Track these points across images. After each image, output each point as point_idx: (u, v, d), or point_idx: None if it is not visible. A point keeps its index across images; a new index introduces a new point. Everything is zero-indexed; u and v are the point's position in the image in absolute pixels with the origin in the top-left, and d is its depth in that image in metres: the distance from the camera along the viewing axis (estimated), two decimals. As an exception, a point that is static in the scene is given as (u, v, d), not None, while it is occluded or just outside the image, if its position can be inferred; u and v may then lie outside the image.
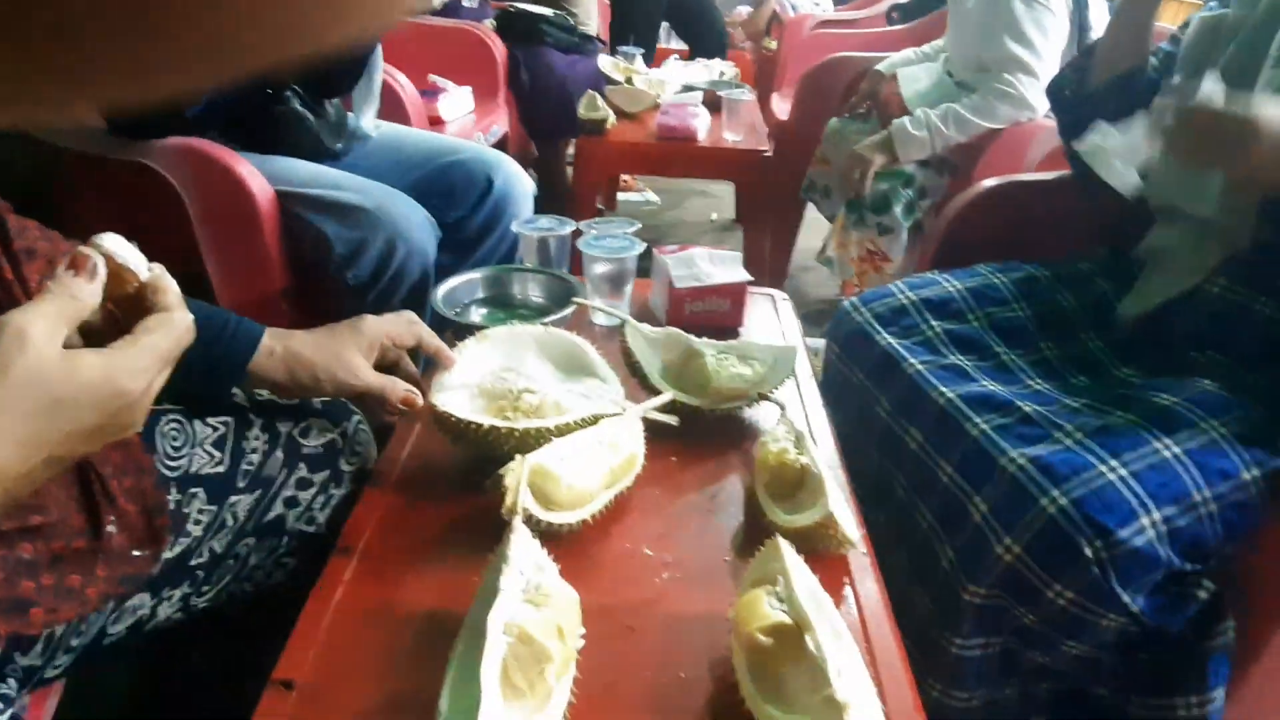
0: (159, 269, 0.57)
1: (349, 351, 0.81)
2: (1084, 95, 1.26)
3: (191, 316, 0.56)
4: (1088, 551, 0.80)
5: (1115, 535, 0.80)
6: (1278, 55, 1.02)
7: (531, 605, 0.63)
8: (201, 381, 0.75)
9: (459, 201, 1.55)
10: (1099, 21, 1.92)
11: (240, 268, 1.42)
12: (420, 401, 0.84)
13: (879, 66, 2.28)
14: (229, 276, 1.41)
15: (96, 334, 0.53)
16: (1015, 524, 0.85)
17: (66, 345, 0.49)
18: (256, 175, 1.39)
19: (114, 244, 0.54)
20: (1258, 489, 0.86)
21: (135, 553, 0.71)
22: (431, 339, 0.88)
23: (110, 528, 0.69)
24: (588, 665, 0.64)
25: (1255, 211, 1.01)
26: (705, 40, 3.82)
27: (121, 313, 0.55)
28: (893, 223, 1.97)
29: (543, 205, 3.22)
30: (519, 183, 1.62)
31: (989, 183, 1.39)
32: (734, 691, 0.63)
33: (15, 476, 0.46)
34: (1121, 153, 1.08)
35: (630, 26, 3.69)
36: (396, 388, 0.83)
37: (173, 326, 0.54)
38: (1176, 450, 0.86)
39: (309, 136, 1.51)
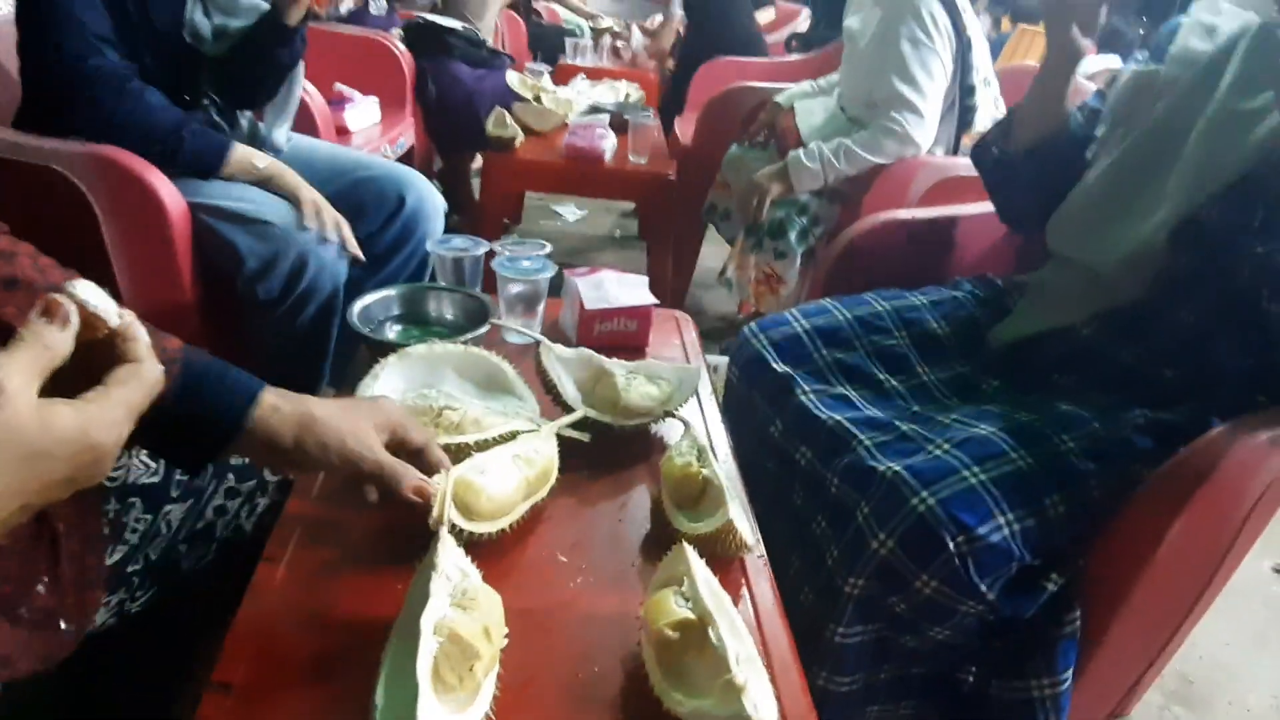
0: (130, 316, 0.56)
1: (365, 425, 0.73)
2: (1007, 158, 1.32)
3: (161, 368, 0.55)
4: (950, 545, 0.91)
5: (974, 531, 0.91)
6: (1210, 116, 1.09)
7: (459, 608, 0.68)
8: (192, 432, 0.69)
9: (369, 218, 1.58)
10: (981, 62, 2.08)
11: (150, 277, 1.41)
12: (434, 492, 0.75)
13: (778, 98, 2.41)
14: (139, 286, 1.40)
15: (64, 379, 0.51)
16: (888, 520, 0.96)
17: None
18: (168, 185, 1.38)
19: (86, 291, 0.53)
20: (1097, 497, 0.99)
21: (62, 624, 0.69)
22: (435, 450, 0.79)
23: (40, 587, 0.67)
24: (509, 662, 0.69)
25: (1150, 277, 1.12)
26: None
27: (88, 358, 0.53)
28: (787, 248, 2.09)
29: (448, 217, 3.25)
30: (430, 200, 1.66)
31: (876, 217, 1.51)
32: (644, 682, 0.70)
33: None
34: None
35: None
36: (409, 474, 0.75)
37: (143, 378, 0.53)
38: (1030, 461, 0.98)
39: None
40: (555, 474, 0.91)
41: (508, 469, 0.86)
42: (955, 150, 2.12)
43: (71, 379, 0.51)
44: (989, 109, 2.10)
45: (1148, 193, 1.15)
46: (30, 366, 0.47)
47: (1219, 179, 1.06)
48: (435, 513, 0.75)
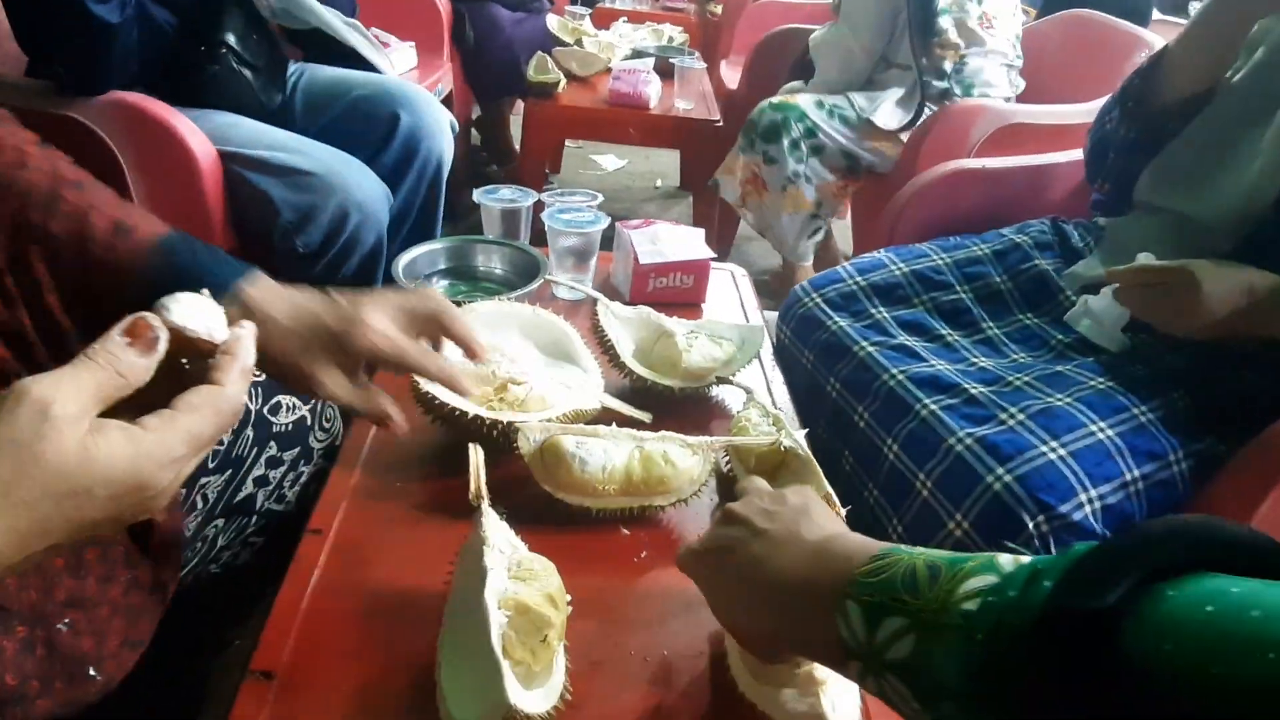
0: (247, 333, 0.48)
1: (377, 309, 0.68)
2: (1150, 110, 1.18)
3: (244, 400, 0.47)
4: (1031, 526, 0.84)
5: (1056, 510, 0.85)
6: None
7: (518, 580, 0.64)
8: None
9: (364, 142, 1.45)
10: None
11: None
12: (403, 429, 0.71)
13: (813, 37, 2.33)
14: (170, 240, 1.35)
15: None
16: (962, 500, 0.89)
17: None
18: (197, 133, 1.33)
19: (185, 314, 0.45)
20: (1179, 470, 0.92)
21: (91, 671, 0.61)
22: (463, 328, 0.74)
23: (61, 625, 0.59)
24: (572, 638, 0.64)
25: (1246, 233, 1.04)
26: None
27: (177, 372, 0.46)
28: (778, 154, 2.02)
29: (486, 167, 3.17)
30: (429, 115, 1.50)
31: (946, 166, 1.43)
32: (717, 664, 0.65)
33: (7, 565, 0.39)
34: (1104, 317, 1.07)
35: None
36: (434, 359, 0.71)
37: (220, 408, 0.45)
38: (1110, 433, 0.91)
39: (247, 94, 1.44)
40: (688, 491, 0.81)
41: (616, 454, 0.79)
42: (920, 66, 2.04)
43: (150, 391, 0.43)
44: (972, 28, 2.02)
45: (1247, 146, 1.08)
46: (93, 393, 0.41)
47: None
48: (472, 488, 0.69)
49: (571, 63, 2.46)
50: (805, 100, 2.04)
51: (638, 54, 2.69)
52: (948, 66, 2.01)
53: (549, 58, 2.37)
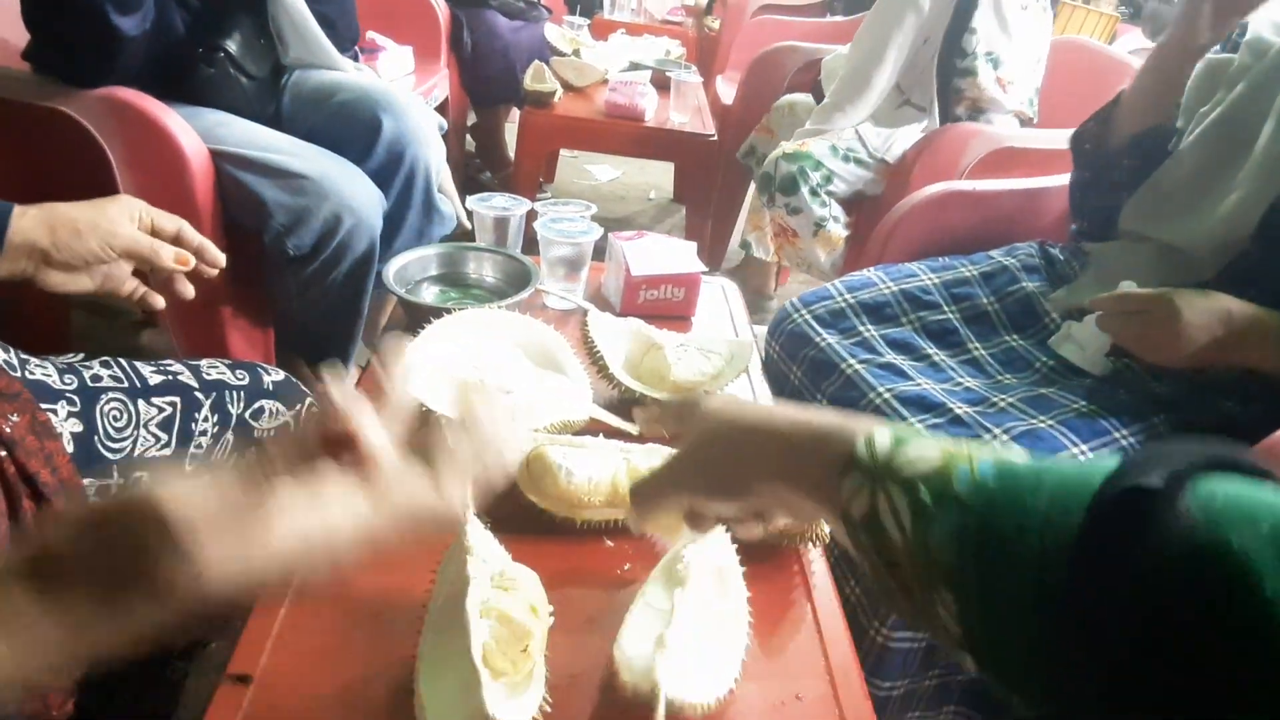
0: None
1: (110, 209, 0.78)
2: (1104, 151, 1.24)
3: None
4: None
5: None
6: None
7: (500, 590, 0.64)
8: None
9: (349, 147, 1.44)
10: (988, 34, 1.96)
11: (169, 229, 1.35)
12: (193, 263, 0.82)
13: (827, 59, 2.31)
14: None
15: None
16: None
17: None
18: (189, 131, 1.32)
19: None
20: None
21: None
22: (194, 233, 0.84)
23: None
24: (553, 646, 0.64)
25: (1227, 261, 1.06)
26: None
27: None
28: (800, 204, 2.02)
29: (480, 173, 3.16)
30: (413, 119, 1.49)
31: (936, 188, 1.43)
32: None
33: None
34: (1087, 343, 1.09)
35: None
36: (165, 248, 0.80)
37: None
38: (1091, 456, 0.93)
39: (241, 99, 1.44)
40: None
41: (602, 466, 0.79)
42: (945, 119, 2.02)
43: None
44: (991, 85, 1.98)
45: (1227, 177, 1.11)
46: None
47: None
48: None
49: (568, 73, 2.47)
50: (817, 147, 2.03)
51: (635, 66, 2.70)
52: (961, 113, 2.00)
53: (546, 67, 2.38)
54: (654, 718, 0.57)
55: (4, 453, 0.63)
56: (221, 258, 0.86)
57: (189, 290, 0.84)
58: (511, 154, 2.92)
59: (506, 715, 0.55)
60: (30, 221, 0.73)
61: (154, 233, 0.81)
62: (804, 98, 2.35)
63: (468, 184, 3.07)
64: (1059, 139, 1.93)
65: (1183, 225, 1.12)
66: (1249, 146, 1.09)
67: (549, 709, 0.59)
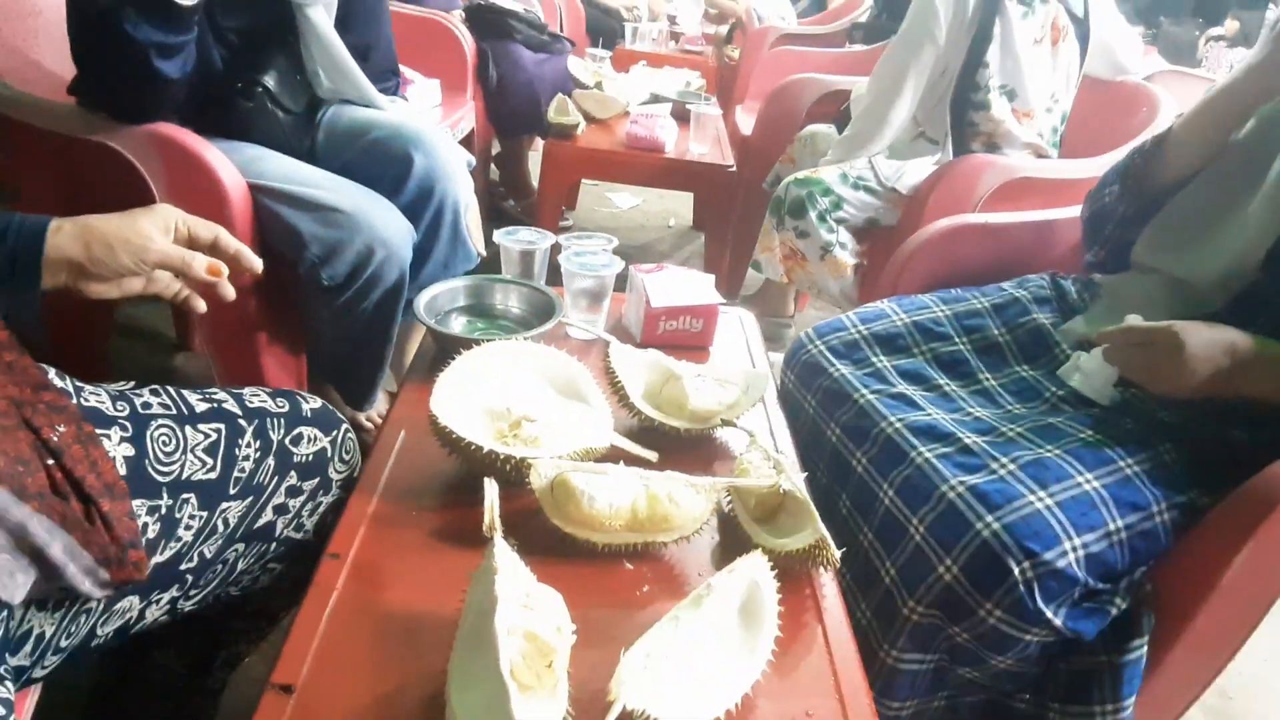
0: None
1: (144, 223, 0.80)
2: (1151, 188, 1.24)
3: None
4: (1016, 571, 0.88)
5: (1041, 557, 0.88)
6: None
7: (526, 609, 0.68)
8: (8, 268, 0.76)
9: (383, 184, 1.49)
10: (1001, 68, 1.98)
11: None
12: (225, 272, 0.85)
13: (858, 89, 2.36)
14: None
15: None
16: (952, 546, 0.93)
17: None
18: (228, 165, 1.38)
19: None
20: (1162, 521, 0.96)
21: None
22: (231, 239, 0.87)
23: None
24: (576, 663, 0.68)
25: (1235, 293, 1.09)
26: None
27: None
28: (808, 228, 2.07)
29: (504, 202, 3.23)
30: (443, 154, 1.53)
31: (952, 221, 1.47)
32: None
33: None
34: (1095, 374, 1.12)
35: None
36: (199, 258, 0.83)
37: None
38: (1096, 484, 0.95)
39: (278, 133, 1.50)
40: (690, 529, 0.85)
41: (623, 492, 0.83)
42: (958, 150, 2.05)
43: None
44: (1006, 118, 2.01)
45: (1238, 211, 1.13)
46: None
47: None
48: (486, 520, 0.73)
49: (591, 105, 2.54)
50: (829, 174, 2.08)
51: (655, 98, 2.76)
52: (976, 147, 2.04)
53: (569, 100, 2.44)
54: None
55: (51, 460, 0.67)
56: (258, 262, 0.88)
57: (230, 292, 0.87)
58: (535, 182, 2.98)
59: (533, 726, 0.59)
60: (64, 238, 0.77)
61: (191, 240, 0.84)
62: (825, 129, 2.40)
63: (492, 211, 3.13)
64: (1073, 169, 1.98)
65: (1193, 258, 1.15)
66: (1260, 180, 1.11)
67: (572, 719, 0.63)
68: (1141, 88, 2.23)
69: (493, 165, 3.27)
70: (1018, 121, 2.02)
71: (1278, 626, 1.67)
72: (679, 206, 3.63)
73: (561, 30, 4.03)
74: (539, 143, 2.78)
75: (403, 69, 2.50)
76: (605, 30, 4.78)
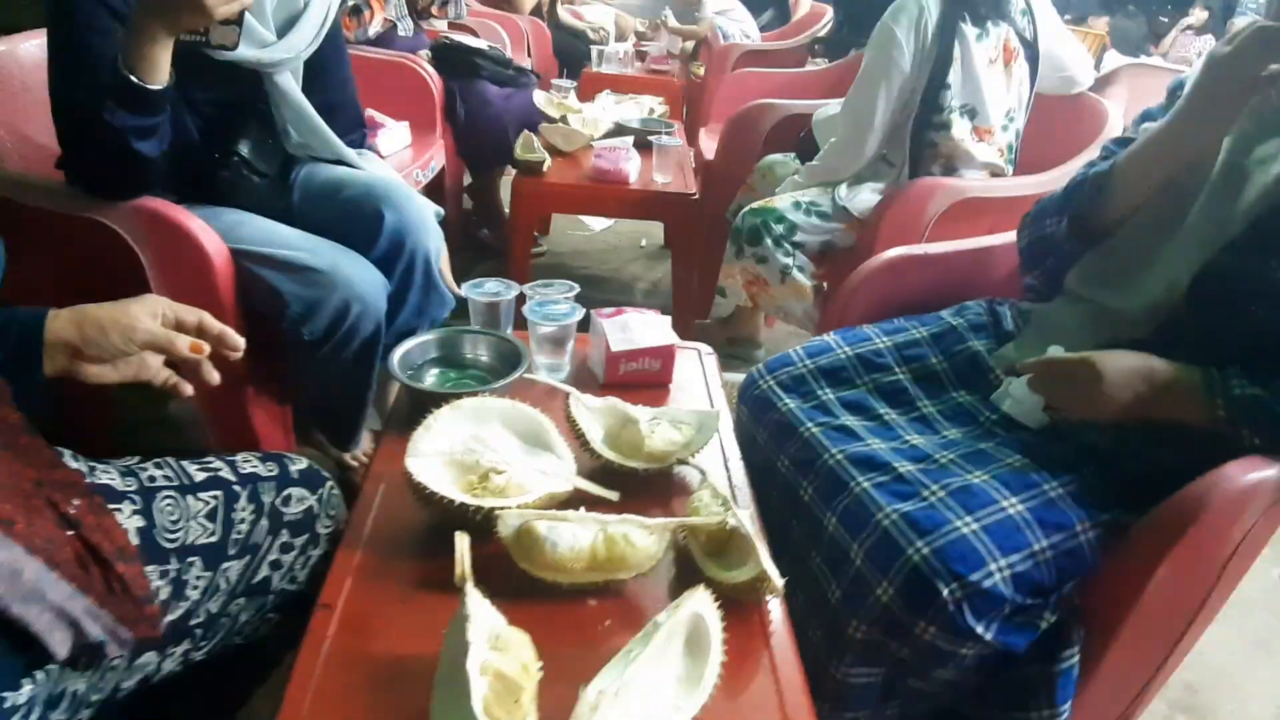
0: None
1: (135, 309, 0.88)
2: (1094, 227, 1.28)
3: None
4: (945, 593, 0.96)
5: (967, 579, 0.96)
6: (1219, 169, 1.13)
7: (496, 651, 0.76)
8: (13, 358, 0.84)
9: (355, 240, 1.57)
10: (963, 88, 2.07)
11: (196, 320, 1.49)
12: (207, 350, 0.92)
13: (817, 116, 2.46)
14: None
15: None
16: (888, 569, 1.01)
17: None
18: (209, 232, 1.46)
19: None
20: (1086, 539, 1.04)
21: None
22: (214, 322, 0.94)
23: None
24: (544, 699, 0.76)
25: (1160, 321, 1.17)
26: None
27: None
28: (766, 253, 2.17)
29: (478, 233, 3.30)
30: (413, 208, 1.61)
31: (894, 252, 1.56)
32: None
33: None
34: (1024, 398, 1.20)
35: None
36: (182, 338, 0.90)
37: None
38: (1021, 508, 1.04)
39: (255, 196, 1.59)
40: (646, 566, 0.93)
41: (583, 536, 0.91)
42: (915, 173, 2.14)
43: None
44: (966, 138, 2.10)
45: (1166, 244, 1.19)
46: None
47: (1228, 231, 1.10)
48: (458, 571, 0.81)
49: (557, 139, 2.62)
50: (782, 202, 2.17)
51: (620, 128, 2.85)
52: (935, 169, 2.12)
53: (535, 137, 2.52)
54: None
55: (71, 532, 0.76)
56: (241, 342, 0.96)
57: (214, 376, 0.94)
58: (507, 208, 3.06)
59: (503, 758, 0.67)
60: (61, 323, 0.84)
61: (178, 325, 0.91)
62: (782, 158, 2.48)
63: (467, 241, 3.21)
64: (1022, 186, 2.06)
65: (1120, 289, 1.23)
66: (1187, 213, 1.17)
67: (539, 752, 0.71)
68: (1088, 100, 2.32)
69: (465, 195, 3.36)
70: (978, 140, 2.11)
71: (1242, 617, 1.79)
72: (650, 228, 3.72)
73: (529, 55, 4.13)
74: (511, 170, 2.85)
75: (372, 113, 2.58)
76: (573, 54, 4.87)
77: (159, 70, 1.26)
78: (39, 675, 0.72)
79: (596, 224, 3.80)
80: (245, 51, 1.45)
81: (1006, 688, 1.06)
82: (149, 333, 0.88)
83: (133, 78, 1.24)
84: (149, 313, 0.89)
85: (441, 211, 1.71)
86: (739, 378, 1.48)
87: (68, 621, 0.72)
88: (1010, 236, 1.66)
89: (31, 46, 1.71)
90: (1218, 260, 1.11)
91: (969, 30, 2.02)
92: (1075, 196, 1.31)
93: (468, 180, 3.31)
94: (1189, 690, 1.65)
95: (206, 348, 0.92)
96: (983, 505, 1.03)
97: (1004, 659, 1.02)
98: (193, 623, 0.88)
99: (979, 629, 0.97)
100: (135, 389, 0.93)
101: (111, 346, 0.86)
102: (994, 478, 1.08)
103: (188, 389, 0.93)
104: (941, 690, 1.08)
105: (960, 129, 2.08)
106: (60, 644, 0.71)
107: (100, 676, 0.80)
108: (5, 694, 0.68)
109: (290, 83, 1.59)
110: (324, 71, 1.68)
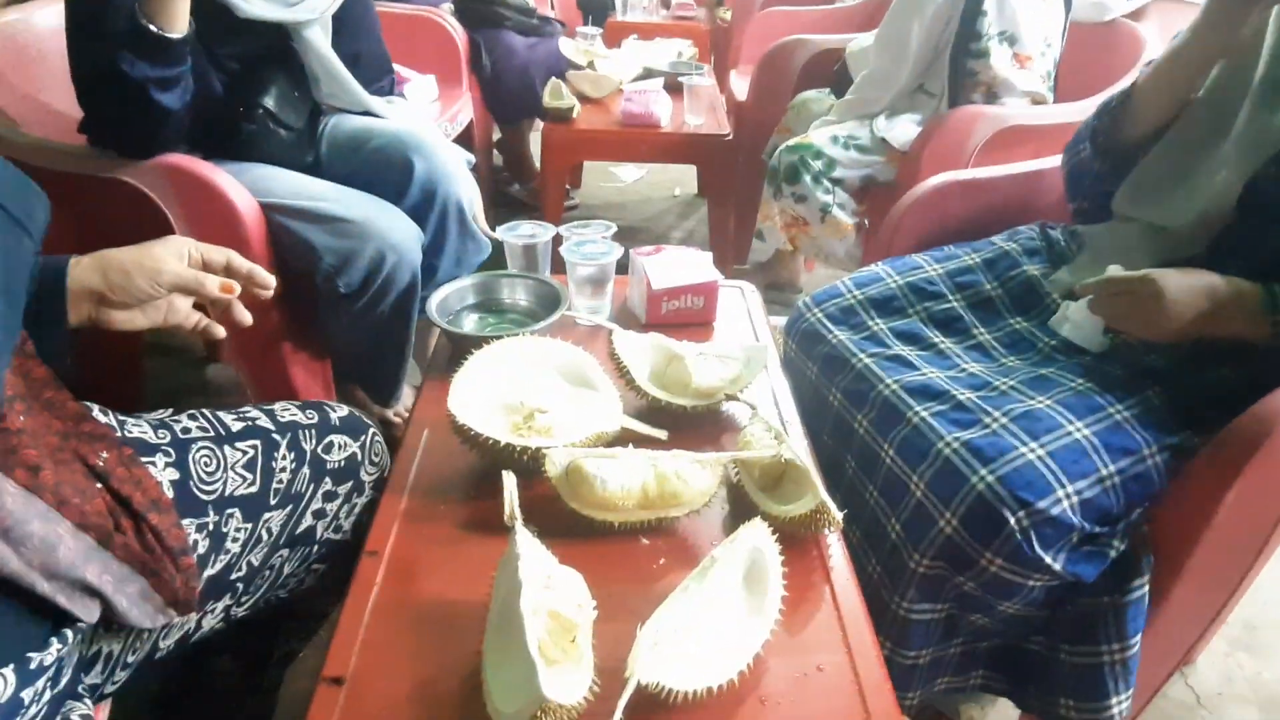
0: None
1: (158, 251, 0.84)
2: (1120, 144, 1.27)
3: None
4: (1012, 521, 0.92)
5: (1035, 506, 0.92)
6: (1258, 84, 1.10)
7: (549, 590, 0.74)
8: (36, 310, 0.78)
9: (385, 190, 1.54)
10: (999, 14, 1.98)
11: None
12: (238, 289, 0.88)
13: (850, 48, 2.37)
14: (221, 288, 1.47)
15: None
16: (950, 499, 0.97)
17: None
18: (239, 188, 1.43)
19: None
20: (1154, 463, 0.99)
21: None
22: (243, 261, 0.90)
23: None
24: (599, 638, 0.74)
25: (1214, 235, 1.12)
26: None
27: None
28: (805, 191, 2.09)
29: (509, 186, 3.26)
30: (442, 157, 1.57)
31: (940, 178, 1.50)
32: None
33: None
34: (1084, 322, 1.15)
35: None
36: (211, 278, 0.86)
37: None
38: (1086, 432, 0.99)
39: (281, 151, 1.56)
40: (699, 503, 0.91)
41: (633, 473, 0.88)
42: (955, 102, 2.04)
43: None
44: (1006, 66, 2.01)
45: (1210, 157, 1.16)
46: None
47: (1272, 144, 1.07)
48: (506, 511, 0.79)
49: (584, 85, 2.56)
50: (819, 137, 2.10)
51: (648, 72, 2.77)
52: (977, 98, 2.04)
53: (563, 84, 2.47)
54: (618, 702, 0.66)
55: (99, 485, 0.74)
56: (271, 280, 0.91)
57: (246, 317, 0.90)
58: (537, 163, 3.02)
59: (561, 697, 0.65)
60: (84, 269, 0.81)
61: (205, 265, 0.87)
62: (816, 94, 2.41)
63: (498, 196, 3.17)
64: (1065, 113, 1.98)
65: (1170, 206, 1.18)
66: (1229, 126, 1.14)
67: (598, 688, 0.69)
68: (1124, 26, 2.22)
69: (495, 151, 3.31)
70: (1019, 67, 2.02)
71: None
72: (683, 176, 3.65)
73: (553, 9, 4.04)
74: (539, 124, 2.80)
75: (397, 68, 2.53)
76: (596, 4, 4.77)
77: (177, 18, 1.23)
78: (68, 634, 0.71)
79: (628, 174, 3.74)
80: (271, 10, 1.41)
81: (1074, 622, 1.01)
82: (176, 274, 0.83)
83: (151, 26, 1.20)
84: (175, 254, 0.85)
85: (473, 159, 1.67)
86: (781, 320, 1.44)
87: (98, 595, 0.70)
88: (1058, 160, 1.59)
89: (48, 14, 1.68)
90: (1266, 170, 1.07)
91: None
92: (1101, 118, 1.30)
93: (497, 135, 3.26)
94: (1248, 629, 1.59)
95: (237, 287, 0.87)
96: (1048, 430, 0.98)
97: (1072, 591, 0.98)
98: (233, 576, 0.86)
99: (1047, 558, 0.92)
100: (169, 357, 0.90)
101: (138, 290, 0.82)
102: (1057, 402, 1.03)
103: (219, 330, 0.90)
104: (1006, 627, 1.04)
105: (1000, 56, 1.99)
106: (88, 611, 0.69)
107: (135, 637, 0.78)
108: (32, 654, 0.67)
109: (319, 35, 1.55)
110: (350, 19, 1.63)
